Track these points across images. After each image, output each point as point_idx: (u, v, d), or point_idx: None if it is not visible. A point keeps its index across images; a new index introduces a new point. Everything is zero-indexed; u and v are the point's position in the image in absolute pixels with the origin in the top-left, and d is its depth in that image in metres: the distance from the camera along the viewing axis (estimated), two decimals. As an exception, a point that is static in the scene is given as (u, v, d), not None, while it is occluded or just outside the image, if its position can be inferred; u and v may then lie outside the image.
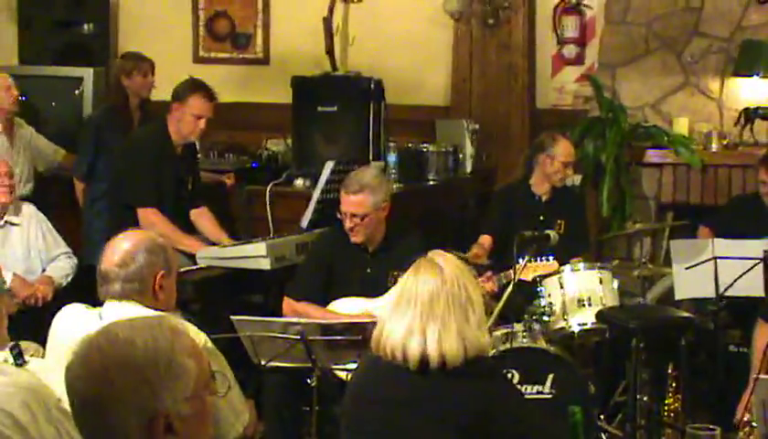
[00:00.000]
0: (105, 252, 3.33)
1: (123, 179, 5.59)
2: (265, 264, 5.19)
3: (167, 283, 3.27)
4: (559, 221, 5.89)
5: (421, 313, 2.92)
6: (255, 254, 5.21)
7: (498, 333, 5.04)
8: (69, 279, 5.51)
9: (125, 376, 1.87)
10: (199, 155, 6.66)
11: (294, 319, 4.50)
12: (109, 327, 1.95)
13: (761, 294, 5.08)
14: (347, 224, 4.86)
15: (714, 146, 6.75)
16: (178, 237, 5.37)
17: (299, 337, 4.23)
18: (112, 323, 1.98)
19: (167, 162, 5.56)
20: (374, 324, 3.16)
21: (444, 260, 3.03)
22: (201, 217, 5.72)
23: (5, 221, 5.45)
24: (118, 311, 3.23)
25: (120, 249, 3.29)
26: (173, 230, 5.40)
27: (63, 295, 5.36)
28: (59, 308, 3.61)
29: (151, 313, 3.17)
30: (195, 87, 5.57)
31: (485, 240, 5.84)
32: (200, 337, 3.12)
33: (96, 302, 3.44)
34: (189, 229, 5.69)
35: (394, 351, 2.93)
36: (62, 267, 5.51)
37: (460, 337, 2.92)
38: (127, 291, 3.27)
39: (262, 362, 4.38)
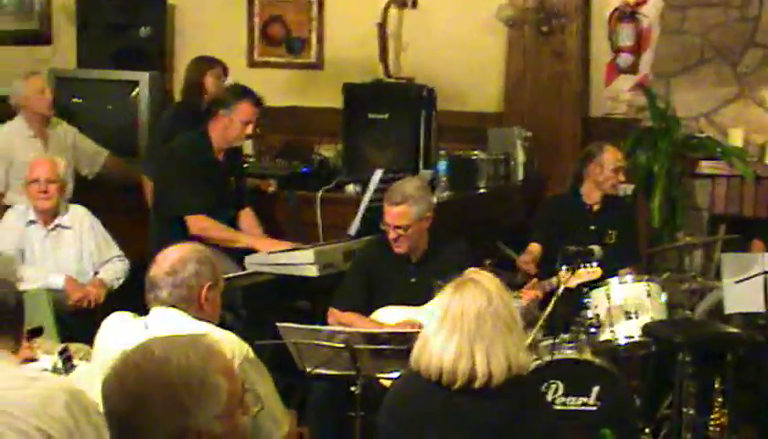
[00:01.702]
0: (155, 261, 3.39)
1: (166, 191, 5.63)
2: (313, 271, 5.23)
3: (213, 295, 3.32)
4: (610, 231, 5.88)
5: (468, 333, 2.99)
6: (303, 261, 5.26)
7: (544, 343, 5.04)
8: (121, 282, 5.59)
9: (158, 393, 1.91)
10: (252, 159, 6.75)
11: (339, 328, 4.54)
12: (146, 344, 2.00)
13: (811, 309, 5.04)
14: (391, 235, 4.89)
15: (768, 159, 6.69)
16: (235, 236, 5.45)
17: (344, 346, 4.27)
18: (150, 339, 2.03)
19: (208, 168, 5.61)
20: (418, 333, 3.21)
21: (486, 279, 3.10)
22: (244, 217, 5.78)
23: (56, 225, 5.53)
24: (164, 317, 3.28)
25: (170, 257, 3.35)
26: (227, 230, 5.49)
27: (115, 298, 5.46)
28: (111, 311, 3.67)
29: (194, 322, 3.23)
30: (243, 93, 5.64)
31: (534, 248, 5.84)
32: (243, 348, 3.17)
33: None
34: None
35: (441, 370, 2.98)
36: (114, 270, 5.59)
37: (506, 356, 3.00)
38: (175, 297, 3.32)
39: (308, 369, 4.43)
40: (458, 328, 3.00)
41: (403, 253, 4.95)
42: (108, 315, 3.64)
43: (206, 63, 6.50)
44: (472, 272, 3.15)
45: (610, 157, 5.83)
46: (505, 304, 3.05)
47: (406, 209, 4.85)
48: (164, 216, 5.64)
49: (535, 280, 5.22)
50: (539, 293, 5.15)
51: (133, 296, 5.28)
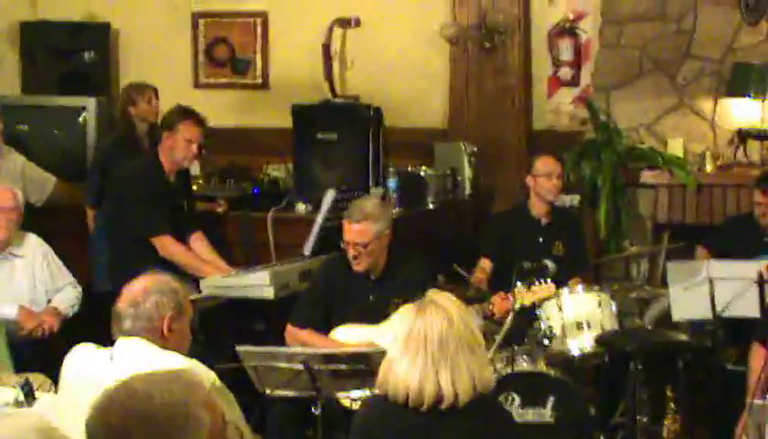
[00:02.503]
0: (122, 294, 3.42)
1: (126, 213, 5.65)
2: (269, 293, 5.27)
3: (177, 325, 3.34)
4: (557, 243, 5.99)
5: (432, 356, 3.03)
6: (259, 283, 5.29)
7: (500, 357, 5.12)
8: (76, 309, 5.57)
9: (143, 430, 1.95)
10: (200, 182, 6.78)
11: (299, 349, 4.58)
12: (128, 381, 2.03)
13: (756, 314, 5.16)
14: (351, 253, 4.94)
15: (708, 167, 6.85)
16: (201, 265, 5.48)
17: (303, 367, 4.31)
18: (132, 376, 2.06)
19: (162, 192, 5.65)
20: (378, 353, 3.26)
21: (447, 301, 3.14)
22: (198, 242, 5.81)
23: (10, 253, 5.50)
24: (129, 348, 3.31)
25: (133, 289, 3.38)
26: (195, 258, 5.54)
27: (69, 325, 5.44)
28: (66, 339, 3.68)
29: (160, 353, 3.26)
30: (184, 113, 5.69)
31: (486, 263, 5.92)
32: (211, 376, 3.20)
33: (103, 329, 3.53)
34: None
35: (408, 393, 3.02)
36: (68, 298, 5.57)
37: (470, 376, 3.05)
38: (137, 328, 3.35)
39: (267, 391, 4.46)
40: (422, 351, 3.04)
41: (362, 271, 5.00)
42: (62, 343, 3.65)
43: (136, 90, 6.52)
44: (433, 293, 3.19)
45: (541, 166, 5.95)
46: (466, 324, 3.10)
47: (367, 227, 4.90)
48: (120, 241, 5.67)
49: (501, 293, 5.27)
50: (510, 305, 5.20)
51: (87, 322, 5.36)
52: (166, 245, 5.51)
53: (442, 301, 3.13)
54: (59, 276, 5.61)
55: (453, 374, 3.03)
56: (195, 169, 6.84)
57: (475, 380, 3.05)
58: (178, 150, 5.63)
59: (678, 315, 5.46)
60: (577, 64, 7.46)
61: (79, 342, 3.53)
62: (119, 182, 5.82)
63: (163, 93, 6.66)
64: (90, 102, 7.11)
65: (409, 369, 3.04)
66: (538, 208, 6.00)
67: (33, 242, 5.59)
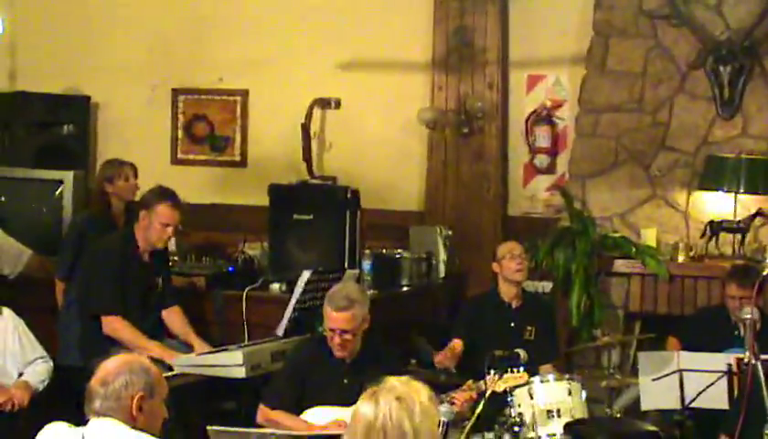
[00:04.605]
0: (96, 372, 3.42)
1: (88, 288, 5.75)
2: (241, 373, 5.27)
3: (148, 405, 3.33)
4: (529, 328, 6.05)
5: None
6: (231, 363, 5.29)
7: (469, 443, 5.11)
8: (46, 383, 5.53)
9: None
10: (176, 258, 6.79)
11: (270, 430, 4.57)
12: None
13: (725, 406, 5.19)
14: (336, 340, 4.93)
15: (681, 257, 6.90)
16: (143, 343, 5.48)
17: (274, 448, 4.30)
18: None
19: (133, 269, 5.71)
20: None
21: (413, 394, 2.90)
22: (172, 315, 5.84)
23: (-21, 326, 5.47)
24: (100, 428, 3.29)
25: (105, 368, 3.38)
26: (137, 337, 5.56)
27: (38, 399, 5.40)
28: (35, 413, 3.66)
29: (131, 433, 3.25)
30: (162, 196, 5.72)
31: (457, 344, 5.95)
32: (180, 458, 3.20)
33: (71, 404, 3.52)
34: (160, 331, 5.79)
35: None
36: (39, 372, 5.53)
37: None
38: (105, 408, 3.34)
39: (237, 471, 4.44)
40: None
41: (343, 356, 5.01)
42: (32, 418, 3.63)
43: (113, 167, 6.52)
44: (401, 384, 2.93)
45: (502, 248, 6.08)
46: (394, 420, 2.83)
47: (353, 314, 4.92)
48: (85, 311, 5.74)
49: (469, 382, 5.29)
50: (474, 395, 5.21)
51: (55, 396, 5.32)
52: (111, 323, 5.58)
53: (408, 394, 2.88)
54: (31, 350, 5.58)
55: None
56: (171, 246, 6.85)
57: None
58: (153, 231, 5.67)
59: (648, 404, 5.49)
60: (553, 152, 7.56)
61: (48, 416, 3.51)
62: (90, 255, 5.86)
63: (141, 168, 6.67)
64: (68, 176, 7.11)
65: None
66: (507, 293, 6.07)
67: (6, 315, 5.57)
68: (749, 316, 4.02)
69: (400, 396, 2.87)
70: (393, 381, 2.93)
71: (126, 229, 5.91)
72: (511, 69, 7.59)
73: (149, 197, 5.77)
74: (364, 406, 2.89)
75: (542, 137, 7.56)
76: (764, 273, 4.04)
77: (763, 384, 3.92)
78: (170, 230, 5.70)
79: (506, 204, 7.59)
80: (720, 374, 5.22)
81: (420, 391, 2.92)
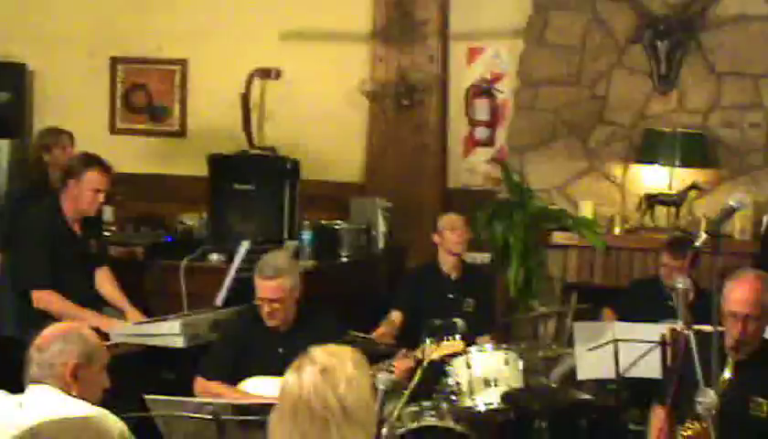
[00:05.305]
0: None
1: (16, 263, 5.68)
2: (179, 342, 5.25)
3: (84, 373, 3.33)
4: (468, 299, 6.10)
5: (292, 421, 2.74)
6: (169, 332, 5.26)
7: (407, 411, 5.15)
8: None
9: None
10: (114, 228, 6.73)
11: (208, 399, 4.56)
12: (36, 428, 2.03)
13: (658, 376, 5.27)
14: (266, 309, 4.94)
15: (617, 230, 7.01)
16: (75, 312, 5.42)
17: (212, 417, 4.29)
18: (39, 424, 2.05)
19: (62, 239, 5.61)
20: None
21: (315, 362, 2.79)
22: (102, 278, 5.79)
23: None
24: (37, 395, 3.29)
25: (43, 335, 3.38)
26: (69, 307, 5.47)
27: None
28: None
29: (68, 400, 3.24)
30: (91, 162, 5.64)
31: (396, 316, 5.99)
32: (119, 426, 3.19)
33: (8, 375, 3.51)
34: (101, 300, 5.75)
35: None
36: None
37: None
38: (41, 375, 3.35)
39: (175, 441, 4.43)
40: (290, 415, 2.74)
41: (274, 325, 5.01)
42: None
43: (51, 135, 6.45)
44: (325, 354, 2.82)
45: (444, 221, 6.14)
46: (319, 394, 2.73)
47: (281, 283, 4.92)
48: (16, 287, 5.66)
49: (404, 350, 5.32)
50: (412, 363, 5.24)
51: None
52: (42, 298, 5.48)
53: (336, 365, 2.78)
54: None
55: None
56: (108, 216, 6.80)
57: None
58: (84, 198, 5.59)
59: (583, 374, 5.57)
60: (493, 124, 7.61)
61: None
62: (18, 229, 5.78)
63: (79, 138, 6.60)
64: (3, 144, 7.03)
65: (275, 429, 2.78)
66: (447, 264, 6.11)
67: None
68: (681, 286, 4.08)
69: (325, 368, 2.77)
70: (317, 352, 2.81)
71: (50, 199, 5.75)
72: (452, 42, 7.60)
73: (76, 164, 5.67)
74: (289, 380, 2.79)
75: (482, 110, 7.61)
76: (697, 245, 4.08)
77: (695, 353, 3.98)
78: (101, 195, 5.63)
79: (446, 176, 7.63)
80: (653, 344, 5.30)
81: (345, 361, 2.81)
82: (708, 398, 3.77)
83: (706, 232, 4.10)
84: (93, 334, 3.48)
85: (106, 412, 3.24)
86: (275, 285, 4.91)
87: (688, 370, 4.03)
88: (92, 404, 3.30)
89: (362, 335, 5.70)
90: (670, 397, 4.28)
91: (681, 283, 4.09)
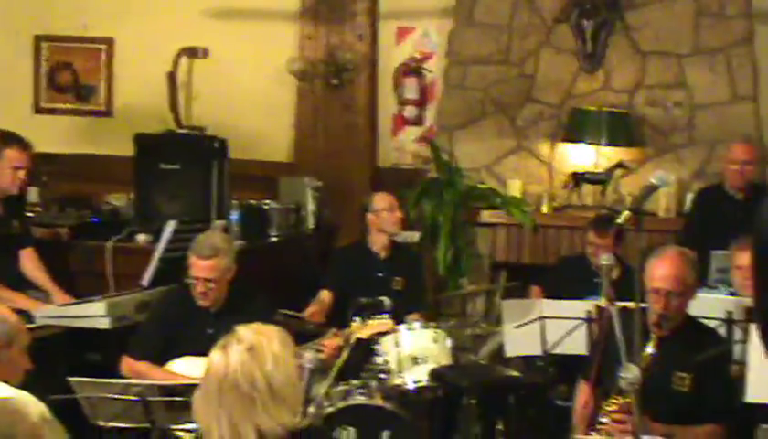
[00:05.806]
0: None
1: None
2: (105, 324, 5.19)
3: (5, 355, 3.29)
4: (397, 278, 6.10)
5: (217, 400, 2.77)
6: (95, 313, 5.21)
7: (336, 390, 5.16)
8: None
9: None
10: (39, 209, 6.64)
11: (134, 381, 4.53)
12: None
13: (584, 352, 5.33)
14: (200, 288, 4.92)
15: (545, 208, 7.07)
16: (3, 294, 5.35)
17: (138, 399, 4.27)
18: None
19: None
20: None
21: (241, 341, 2.80)
22: (27, 259, 5.70)
23: None
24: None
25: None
26: (2, 289, 5.38)
27: None
28: None
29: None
30: (8, 139, 5.56)
31: (326, 295, 5.99)
32: (39, 408, 3.15)
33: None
34: (26, 282, 5.67)
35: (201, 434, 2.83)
36: None
37: (254, 429, 2.74)
38: (-42, 357, 3.31)
39: (101, 423, 4.40)
40: (216, 394, 2.76)
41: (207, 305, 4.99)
42: None
43: None
44: (251, 332, 2.83)
45: (380, 201, 6.12)
46: (245, 373, 2.75)
47: (217, 262, 4.90)
48: None
49: (333, 329, 5.33)
50: (341, 342, 5.24)
51: None
52: None
53: (250, 339, 2.79)
54: None
55: (236, 425, 2.72)
56: (33, 197, 6.71)
57: (263, 433, 2.73)
58: (4, 177, 5.51)
59: (511, 351, 5.62)
60: (422, 103, 7.63)
61: None
62: None
63: (1, 117, 6.51)
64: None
65: (200, 408, 2.81)
66: (378, 243, 6.11)
67: None
68: (605, 263, 4.13)
69: (252, 346, 2.78)
70: (243, 331, 2.83)
71: None
72: (381, 21, 7.60)
73: None
74: (215, 358, 2.80)
75: (411, 89, 7.62)
76: (620, 222, 4.13)
77: (618, 329, 4.03)
78: (22, 173, 5.54)
79: (376, 155, 7.63)
80: (579, 321, 5.35)
81: (272, 339, 2.82)
82: (631, 373, 3.82)
83: (628, 210, 4.15)
84: (13, 315, 3.43)
85: (26, 394, 3.20)
86: (211, 264, 4.89)
87: (612, 346, 4.08)
88: (13, 386, 3.26)
89: (292, 314, 5.69)
90: (594, 372, 4.34)
91: (605, 260, 4.13)
